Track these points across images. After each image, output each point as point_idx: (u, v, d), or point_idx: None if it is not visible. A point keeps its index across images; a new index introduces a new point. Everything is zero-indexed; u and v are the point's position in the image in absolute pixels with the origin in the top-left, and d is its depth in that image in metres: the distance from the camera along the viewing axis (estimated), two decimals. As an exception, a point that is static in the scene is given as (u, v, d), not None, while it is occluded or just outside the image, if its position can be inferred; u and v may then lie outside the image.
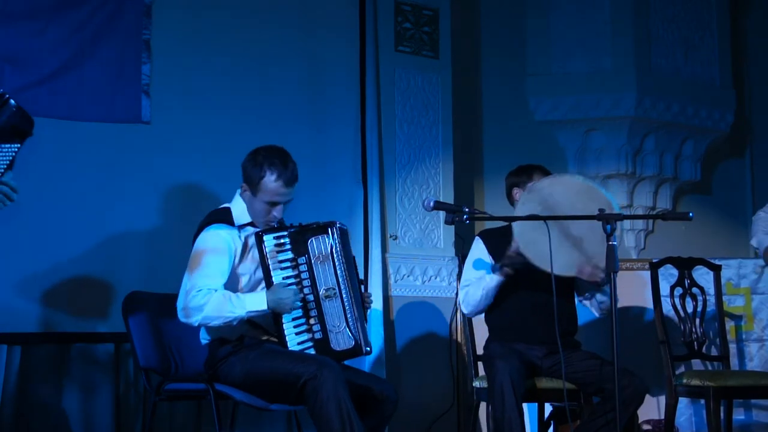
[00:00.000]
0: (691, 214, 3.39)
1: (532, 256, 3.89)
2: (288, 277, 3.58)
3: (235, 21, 4.90)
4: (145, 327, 3.87)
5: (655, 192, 6.16)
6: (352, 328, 3.61)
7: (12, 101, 2.84)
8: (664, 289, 4.87)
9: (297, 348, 3.54)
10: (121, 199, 4.48)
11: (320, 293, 3.60)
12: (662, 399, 4.87)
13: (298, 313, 3.58)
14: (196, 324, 3.53)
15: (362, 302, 3.76)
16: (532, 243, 3.87)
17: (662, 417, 4.83)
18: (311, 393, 3.35)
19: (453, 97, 5.62)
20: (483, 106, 6.03)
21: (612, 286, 3.26)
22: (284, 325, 3.55)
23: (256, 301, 3.51)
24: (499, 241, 4.21)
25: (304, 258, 3.62)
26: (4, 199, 2.90)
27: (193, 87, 4.72)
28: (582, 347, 4.23)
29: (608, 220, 3.30)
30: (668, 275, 4.94)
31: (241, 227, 3.64)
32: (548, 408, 4.52)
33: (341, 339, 3.60)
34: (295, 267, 3.60)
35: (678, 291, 4.86)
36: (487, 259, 4.23)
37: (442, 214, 5.09)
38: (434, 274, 5.41)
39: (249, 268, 3.65)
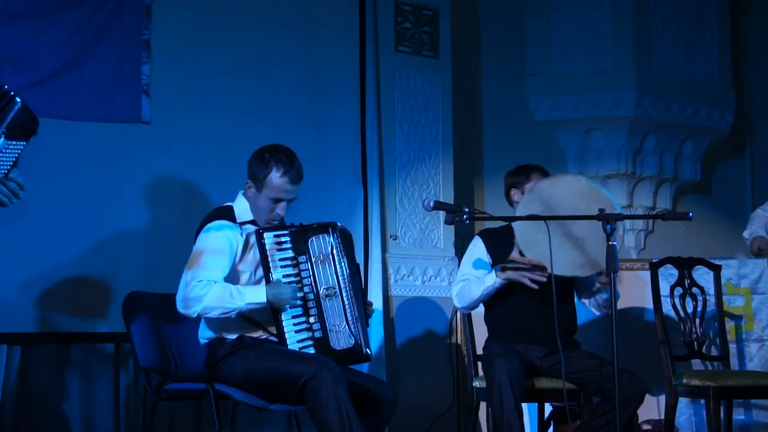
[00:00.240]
0: (691, 214, 3.39)
1: (533, 257, 3.89)
2: (288, 275, 3.58)
3: (235, 21, 4.90)
4: (145, 327, 3.87)
5: (655, 192, 6.16)
6: (352, 327, 3.61)
7: (18, 99, 2.85)
8: (664, 289, 4.87)
9: (296, 346, 3.54)
10: (121, 199, 4.48)
11: (320, 292, 3.61)
12: (662, 399, 4.87)
13: (298, 311, 3.58)
14: (195, 315, 3.52)
15: (364, 308, 3.76)
16: (533, 244, 3.87)
17: (662, 417, 4.83)
18: (311, 393, 3.35)
19: (453, 97, 5.63)
20: (483, 106, 6.03)
21: (612, 286, 3.26)
22: (284, 322, 3.54)
23: (256, 294, 3.51)
24: (498, 241, 4.21)
25: (304, 257, 3.62)
26: (12, 196, 2.91)
27: (193, 87, 4.72)
28: (582, 347, 4.23)
29: (608, 220, 3.30)
30: (668, 275, 4.94)
31: (242, 225, 3.65)
32: (548, 408, 4.52)
33: (341, 338, 3.60)
34: (296, 266, 3.61)
35: (678, 291, 4.85)
36: (486, 258, 4.23)
37: (442, 214, 5.09)
38: (434, 274, 5.41)
39: (249, 266, 3.65)
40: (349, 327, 3.60)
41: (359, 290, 3.77)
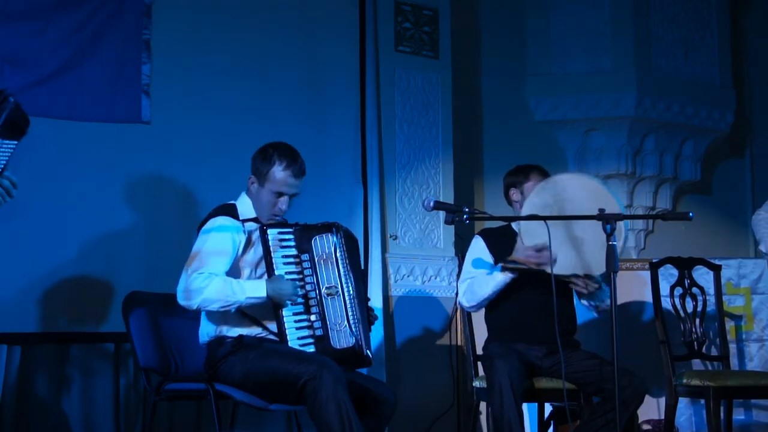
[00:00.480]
0: (691, 214, 3.39)
1: (531, 242, 3.90)
2: (290, 273, 3.59)
3: (235, 21, 4.89)
4: (145, 327, 3.87)
5: (655, 192, 6.16)
6: (353, 327, 3.61)
7: (11, 98, 2.85)
8: (664, 289, 4.87)
9: (297, 343, 3.54)
10: (121, 199, 4.48)
11: (322, 291, 3.61)
12: (662, 399, 4.87)
13: (300, 308, 3.58)
14: (195, 307, 3.51)
15: (367, 314, 3.77)
16: (534, 237, 3.88)
17: (662, 417, 4.84)
18: (311, 393, 3.34)
19: (453, 97, 5.62)
20: (483, 106, 6.03)
21: (612, 286, 3.26)
22: (285, 318, 3.54)
23: (256, 288, 3.51)
24: (499, 241, 4.22)
25: (307, 255, 3.63)
26: (5, 194, 2.90)
27: (193, 87, 4.72)
28: (582, 347, 4.23)
29: (608, 220, 3.30)
30: (668, 275, 4.94)
31: (245, 222, 3.65)
32: (548, 408, 4.52)
33: (342, 337, 3.60)
34: (298, 264, 3.61)
35: (678, 291, 4.86)
36: (488, 258, 4.23)
37: (442, 214, 5.09)
38: (434, 273, 5.41)
39: (251, 262, 3.65)
40: (350, 326, 3.60)
41: (362, 293, 3.78)
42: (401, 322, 5.29)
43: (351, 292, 3.64)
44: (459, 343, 5.32)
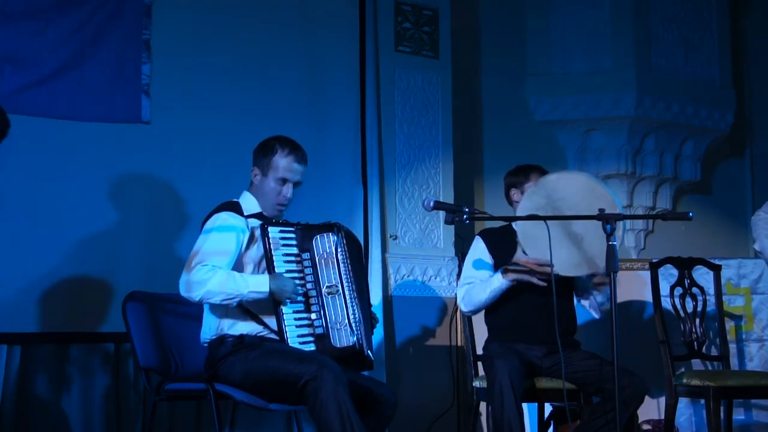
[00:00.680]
0: (691, 214, 3.38)
1: (533, 252, 3.91)
2: (291, 271, 3.59)
3: (235, 21, 4.90)
4: (144, 327, 3.87)
5: (655, 192, 6.16)
6: (353, 325, 3.60)
7: None
8: (664, 289, 4.87)
9: (297, 341, 3.53)
10: (121, 199, 4.48)
11: (323, 290, 3.61)
12: (662, 399, 4.87)
13: (300, 306, 3.58)
14: (197, 299, 3.50)
15: (369, 317, 3.77)
16: (533, 239, 3.88)
17: (662, 417, 4.83)
18: (311, 393, 3.34)
19: (453, 97, 5.62)
20: (483, 106, 6.03)
21: (612, 286, 3.26)
22: (285, 316, 3.53)
23: (259, 283, 3.51)
24: (499, 241, 4.22)
25: (308, 254, 3.63)
26: None
27: (193, 87, 4.72)
28: (582, 347, 4.23)
29: (608, 220, 3.30)
30: (668, 275, 4.94)
31: (248, 218, 3.66)
32: (548, 408, 4.52)
33: (342, 336, 3.59)
34: (299, 262, 3.61)
35: (678, 291, 4.86)
36: (488, 258, 4.23)
37: (442, 214, 5.09)
38: (434, 274, 5.41)
39: (254, 259, 3.65)
40: (350, 325, 3.60)
41: (364, 294, 3.78)
42: (401, 322, 5.29)
43: (352, 292, 3.64)
44: (459, 343, 5.31)
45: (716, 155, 6.45)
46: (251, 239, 3.65)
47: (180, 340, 3.94)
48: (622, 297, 5.06)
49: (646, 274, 4.92)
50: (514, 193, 4.28)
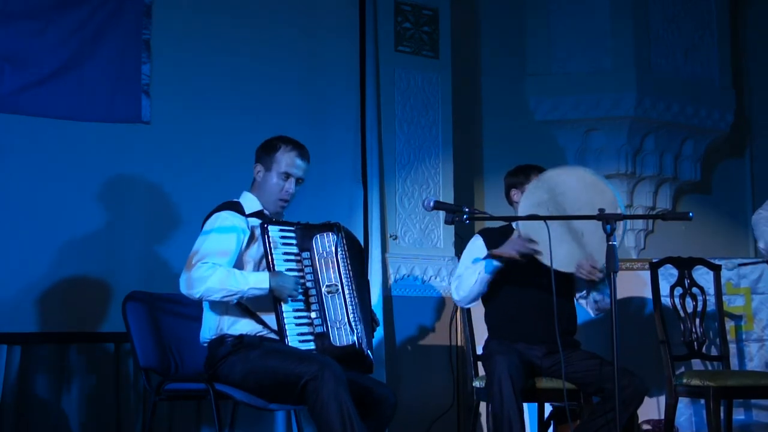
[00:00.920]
0: (691, 214, 3.38)
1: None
2: (291, 270, 3.59)
3: (235, 21, 4.90)
4: (144, 327, 3.87)
5: (655, 192, 6.16)
6: (353, 324, 3.60)
7: None
8: (664, 289, 4.87)
9: (297, 339, 3.53)
10: (121, 199, 4.48)
11: (322, 289, 3.61)
12: (662, 399, 4.87)
13: (300, 305, 3.57)
14: (198, 296, 3.50)
15: (370, 317, 3.77)
16: (533, 233, 3.88)
17: (662, 417, 4.83)
18: (312, 393, 3.34)
19: (453, 97, 5.63)
20: (483, 106, 6.03)
21: (612, 286, 3.26)
22: (284, 315, 3.53)
23: (259, 280, 3.51)
24: (499, 240, 4.21)
25: (308, 253, 3.63)
26: None
27: (193, 87, 4.73)
28: (582, 347, 4.23)
29: (608, 220, 3.30)
30: (668, 275, 4.94)
31: (249, 216, 3.66)
32: (548, 408, 4.52)
33: (342, 335, 3.59)
34: (299, 261, 3.61)
35: (678, 291, 4.86)
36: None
37: (442, 214, 5.09)
38: (434, 274, 5.41)
39: (254, 257, 3.65)
40: (350, 324, 3.60)
41: (364, 294, 3.78)
42: (401, 322, 5.29)
43: (351, 291, 3.64)
44: (459, 343, 5.31)
45: (716, 155, 6.45)
46: (251, 238, 3.65)
47: (180, 340, 3.94)
48: (622, 297, 5.07)
49: (646, 274, 4.92)
50: (515, 194, 4.28)
